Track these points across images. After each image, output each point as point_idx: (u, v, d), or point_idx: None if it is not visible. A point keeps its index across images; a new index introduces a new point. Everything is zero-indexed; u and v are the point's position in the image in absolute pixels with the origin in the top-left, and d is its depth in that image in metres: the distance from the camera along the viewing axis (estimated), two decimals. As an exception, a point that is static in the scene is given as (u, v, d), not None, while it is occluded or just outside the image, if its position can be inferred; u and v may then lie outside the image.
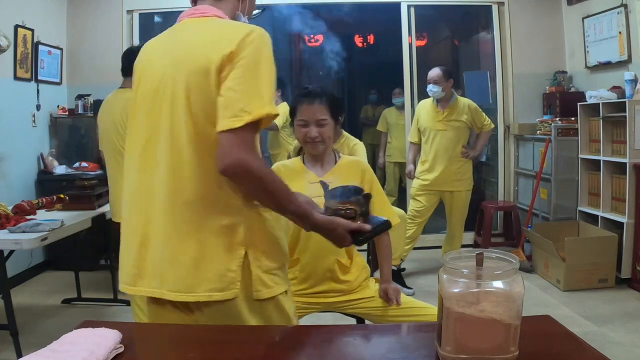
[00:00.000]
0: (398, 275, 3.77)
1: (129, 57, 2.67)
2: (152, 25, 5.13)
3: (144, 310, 2.75)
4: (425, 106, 3.94)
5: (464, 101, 3.88)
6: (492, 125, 3.98)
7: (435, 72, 3.77)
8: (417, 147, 4.03)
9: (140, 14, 4.70)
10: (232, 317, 1.25)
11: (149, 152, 1.26)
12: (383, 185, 5.54)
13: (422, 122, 3.93)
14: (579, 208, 4.13)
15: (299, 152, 2.04)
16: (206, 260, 1.20)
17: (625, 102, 3.58)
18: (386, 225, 1.35)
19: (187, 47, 1.24)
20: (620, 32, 3.95)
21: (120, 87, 2.68)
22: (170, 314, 1.27)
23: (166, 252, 1.22)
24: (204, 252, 1.20)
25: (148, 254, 1.25)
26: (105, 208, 2.98)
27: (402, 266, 3.92)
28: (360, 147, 3.20)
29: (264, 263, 1.26)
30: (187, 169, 1.20)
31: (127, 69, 2.66)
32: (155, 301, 1.27)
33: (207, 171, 1.19)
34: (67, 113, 4.45)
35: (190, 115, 1.19)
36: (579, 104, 4.08)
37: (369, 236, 1.33)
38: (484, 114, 3.91)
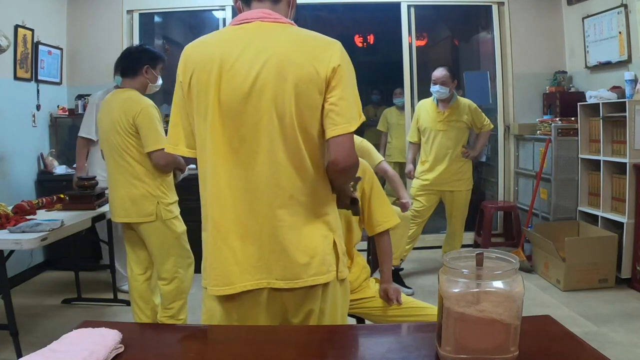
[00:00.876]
0: (396, 276, 3.77)
1: (128, 58, 2.66)
2: (152, 25, 5.14)
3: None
4: (425, 106, 3.94)
5: (464, 101, 3.87)
6: (492, 126, 3.98)
7: (442, 73, 3.75)
8: (417, 146, 4.03)
9: (140, 14, 4.70)
10: (321, 299, 1.36)
11: (245, 150, 1.30)
12: (383, 185, 5.54)
13: (422, 122, 3.92)
14: (579, 208, 4.13)
15: None
16: (310, 248, 1.33)
17: (625, 102, 3.58)
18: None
19: (286, 52, 1.29)
20: (620, 32, 3.95)
21: (119, 87, 2.67)
22: (256, 304, 1.34)
23: (275, 244, 1.31)
24: (308, 241, 1.33)
25: (250, 248, 1.32)
26: (105, 208, 2.97)
27: (400, 266, 3.91)
28: (367, 144, 3.24)
29: (342, 246, 1.42)
30: (292, 167, 1.31)
31: (125, 69, 2.64)
32: (247, 293, 1.33)
33: (307, 167, 1.32)
34: (67, 113, 4.45)
35: (298, 117, 1.29)
36: (579, 104, 4.08)
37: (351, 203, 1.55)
38: (483, 114, 3.92)
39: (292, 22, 1.40)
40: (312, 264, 1.32)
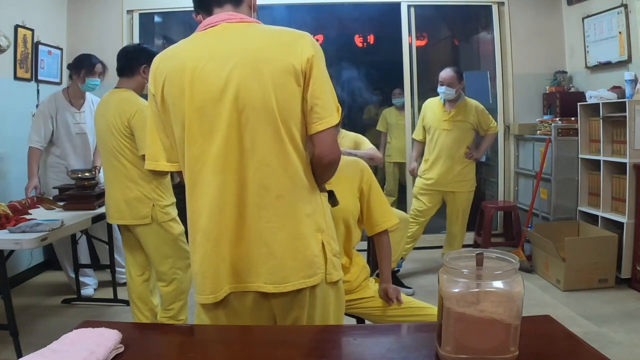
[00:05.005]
0: (393, 277, 3.74)
1: (125, 57, 2.64)
2: (152, 25, 5.13)
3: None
4: (432, 105, 3.94)
5: (471, 102, 3.86)
6: (498, 129, 3.98)
7: (448, 74, 3.74)
8: (422, 145, 4.02)
9: (140, 14, 4.69)
10: (308, 303, 1.33)
11: (227, 154, 1.27)
12: (383, 185, 5.54)
13: (427, 121, 3.92)
14: (579, 208, 4.13)
15: None
16: (297, 249, 1.30)
17: (625, 102, 3.58)
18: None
19: (257, 49, 1.27)
20: (620, 32, 3.94)
21: (115, 87, 2.65)
22: (243, 308, 1.32)
23: (262, 247, 1.29)
24: (295, 242, 1.30)
25: (240, 252, 1.29)
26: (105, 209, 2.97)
27: (396, 268, 3.89)
28: (362, 137, 3.25)
29: (333, 247, 1.38)
30: (278, 165, 1.28)
31: (122, 68, 2.62)
32: (236, 296, 1.31)
33: (293, 164, 1.29)
34: (67, 113, 4.44)
35: (280, 112, 1.26)
36: (579, 104, 4.08)
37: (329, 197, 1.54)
38: (490, 116, 3.91)
39: (258, 21, 1.38)
40: (299, 266, 1.29)
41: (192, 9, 1.43)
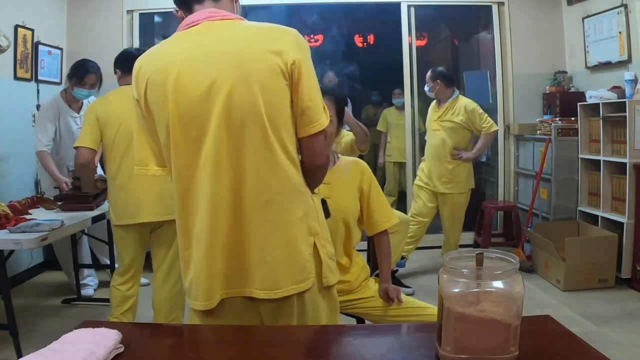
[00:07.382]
0: (392, 277, 3.73)
1: (129, 57, 2.63)
2: (152, 25, 5.14)
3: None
4: (432, 106, 4.02)
5: (462, 102, 3.83)
6: (494, 128, 3.83)
7: (427, 74, 3.90)
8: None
9: (140, 14, 4.70)
10: (298, 310, 1.31)
11: (220, 158, 1.23)
12: (383, 185, 5.54)
13: (427, 122, 4.05)
14: (579, 208, 4.13)
15: None
16: (289, 254, 1.27)
17: (625, 102, 3.58)
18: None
19: (241, 48, 1.23)
20: (620, 32, 3.94)
21: (126, 84, 2.62)
22: (232, 314, 1.30)
23: (253, 252, 1.26)
24: (287, 247, 1.27)
25: (233, 258, 1.26)
26: (104, 208, 2.96)
27: (394, 268, 3.87)
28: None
29: (328, 250, 1.36)
30: (265, 169, 1.24)
31: (130, 65, 2.59)
32: (225, 302, 1.29)
33: (283, 168, 1.25)
34: (67, 113, 4.43)
35: (267, 113, 1.22)
36: (579, 104, 4.08)
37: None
38: (484, 116, 3.82)
39: (241, 17, 1.33)
40: (291, 272, 1.27)
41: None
